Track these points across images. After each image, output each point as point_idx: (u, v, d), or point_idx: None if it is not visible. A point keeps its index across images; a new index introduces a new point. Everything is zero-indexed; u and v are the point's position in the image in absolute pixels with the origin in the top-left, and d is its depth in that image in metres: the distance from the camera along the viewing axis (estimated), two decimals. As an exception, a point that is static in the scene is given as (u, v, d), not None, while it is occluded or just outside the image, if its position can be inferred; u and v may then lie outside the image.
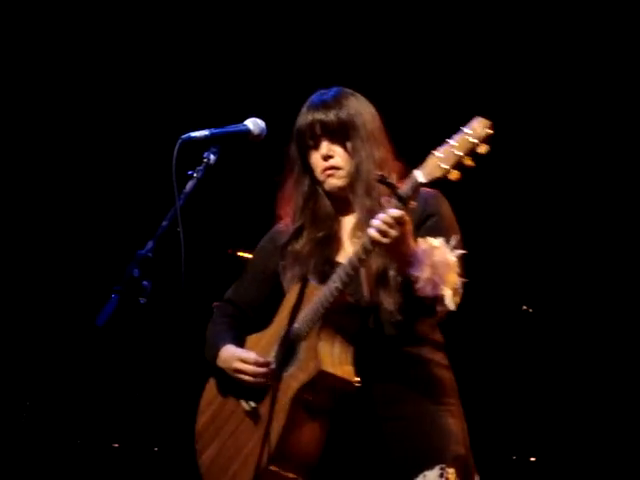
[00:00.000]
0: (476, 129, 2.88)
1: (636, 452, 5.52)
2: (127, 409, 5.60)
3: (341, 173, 3.31)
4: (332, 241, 3.35)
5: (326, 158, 3.31)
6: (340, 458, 3.22)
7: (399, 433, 3.19)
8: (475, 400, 3.52)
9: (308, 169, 3.37)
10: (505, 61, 5.93)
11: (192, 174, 3.06)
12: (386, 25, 6.03)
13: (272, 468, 3.18)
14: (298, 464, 3.19)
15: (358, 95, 3.38)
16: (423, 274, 3.02)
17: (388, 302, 3.18)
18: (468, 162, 2.89)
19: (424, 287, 3.03)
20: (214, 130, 3.11)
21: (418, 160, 3.02)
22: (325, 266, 3.29)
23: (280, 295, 3.39)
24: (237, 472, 3.29)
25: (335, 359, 3.14)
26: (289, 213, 3.43)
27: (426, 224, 3.22)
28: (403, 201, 2.97)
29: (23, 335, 6.00)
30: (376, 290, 3.20)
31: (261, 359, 3.28)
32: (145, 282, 2.89)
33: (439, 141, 2.95)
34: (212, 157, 3.09)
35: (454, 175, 2.90)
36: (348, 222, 3.37)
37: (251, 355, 3.30)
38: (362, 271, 3.18)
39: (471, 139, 2.87)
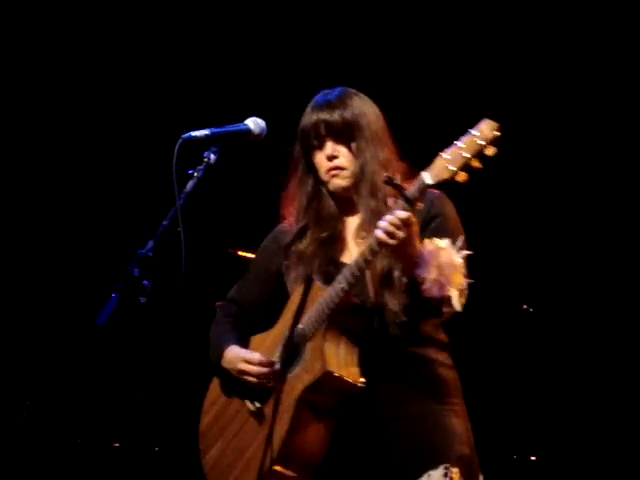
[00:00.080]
0: (484, 131, 2.88)
1: (637, 451, 5.52)
2: (128, 409, 5.59)
3: (345, 173, 3.31)
4: (336, 241, 3.35)
5: (331, 158, 3.30)
6: (344, 458, 3.22)
7: (403, 433, 3.19)
8: (475, 399, 3.51)
9: (312, 169, 3.36)
10: (507, 62, 5.93)
11: (192, 173, 3.06)
12: (388, 24, 6.03)
13: (276, 468, 3.18)
14: (302, 465, 3.19)
15: (362, 95, 3.38)
16: (429, 275, 3.02)
17: (393, 303, 3.18)
18: (476, 164, 2.89)
19: (430, 288, 3.03)
20: (214, 129, 3.11)
21: (419, 160, 3.02)
22: (329, 266, 3.29)
23: (283, 295, 3.38)
24: (241, 472, 3.29)
25: (341, 360, 3.14)
26: (292, 213, 3.43)
27: (431, 225, 3.22)
28: (410, 202, 2.97)
29: (24, 334, 6.00)
30: (381, 291, 3.20)
31: (265, 359, 3.28)
32: (145, 281, 2.89)
33: (441, 140, 2.95)
34: (212, 156, 3.09)
35: (462, 177, 2.90)
36: (352, 222, 3.36)
37: (255, 356, 3.30)
38: (367, 272, 3.18)
39: (479, 141, 2.87)
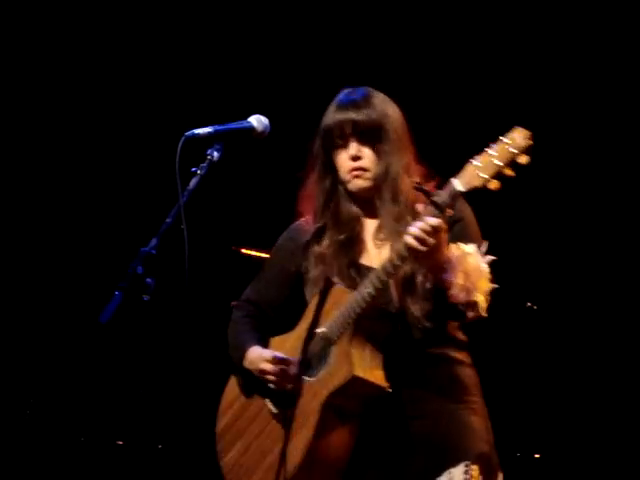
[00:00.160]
0: (515, 139, 2.87)
1: (639, 449, 5.52)
2: (131, 407, 5.59)
3: (368, 175, 3.27)
4: (355, 243, 3.32)
5: (354, 158, 3.26)
6: (367, 459, 3.21)
7: (425, 432, 3.18)
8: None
9: (332, 168, 3.32)
10: (510, 62, 5.93)
11: (196, 171, 3.05)
12: (389, 23, 6.02)
13: (301, 473, 3.15)
14: (327, 468, 3.18)
15: (384, 96, 3.34)
16: (457, 280, 3.02)
17: (415, 308, 3.17)
18: (508, 172, 2.87)
19: (458, 294, 3.04)
20: (217, 127, 3.10)
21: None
22: (350, 269, 3.26)
23: (300, 295, 3.36)
24: (263, 475, 3.26)
25: (367, 364, 3.12)
26: (309, 210, 3.40)
27: (454, 230, 3.18)
28: (441, 209, 2.96)
29: (27, 332, 6.00)
30: (403, 296, 3.19)
31: (287, 358, 3.25)
32: (149, 279, 2.89)
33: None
34: (216, 154, 3.08)
35: (494, 185, 2.89)
36: (370, 224, 3.33)
37: (277, 355, 3.27)
38: None
39: (511, 149, 2.86)
